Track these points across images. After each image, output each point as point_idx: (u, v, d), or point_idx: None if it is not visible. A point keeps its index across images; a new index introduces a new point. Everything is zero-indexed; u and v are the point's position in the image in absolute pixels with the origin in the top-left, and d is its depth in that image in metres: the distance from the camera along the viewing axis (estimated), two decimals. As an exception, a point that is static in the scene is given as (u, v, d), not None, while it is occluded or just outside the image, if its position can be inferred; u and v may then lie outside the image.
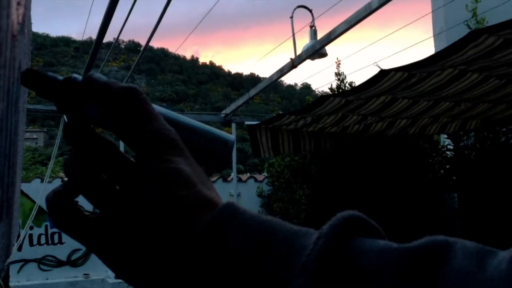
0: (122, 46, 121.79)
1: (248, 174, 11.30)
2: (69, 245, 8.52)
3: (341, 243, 0.33)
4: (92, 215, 0.41)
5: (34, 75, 0.43)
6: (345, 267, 0.32)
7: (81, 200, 0.41)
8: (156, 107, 0.44)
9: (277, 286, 0.33)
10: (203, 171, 0.41)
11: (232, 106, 9.42)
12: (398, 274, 0.30)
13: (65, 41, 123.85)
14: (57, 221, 0.41)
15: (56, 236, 8.50)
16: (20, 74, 0.44)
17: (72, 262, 8.50)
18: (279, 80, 7.46)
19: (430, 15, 8.04)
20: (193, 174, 0.39)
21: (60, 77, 0.43)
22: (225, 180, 9.40)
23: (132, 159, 0.41)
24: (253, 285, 0.34)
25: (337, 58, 7.80)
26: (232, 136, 0.49)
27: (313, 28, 6.69)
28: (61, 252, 8.44)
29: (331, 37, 5.61)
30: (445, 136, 7.38)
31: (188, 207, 0.37)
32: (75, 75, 0.43)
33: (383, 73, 3.92)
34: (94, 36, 5.51)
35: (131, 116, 0.40)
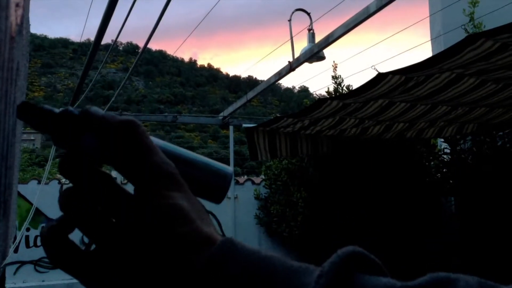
0: (120, 48, 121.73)
1: (246, 177, 11.29)
2: (66, 247, 8.48)
3: (342, 282, 0.33)
4: (88, 249, 0.40)
5: (29, 108, 0.42)
6: None
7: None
8: (155, 140, 0.44)
9: None
10: (201, 206, 0.41)
11: (230, 109, 9.42)
12: None
13: (63, 43, 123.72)
14: (52, 257, 0.40)
15: (52, 238, 8.47)
16: (16, 108, 0.43)
17: (69, 264, 8.46)
18: (277, 83, 7.46)
19: (428, 19, 8.07)
20: (191, 210, 0.39)
21: (56, 110, 0.42)
22: (222, 182, 9.38)
23: (128, 190, 0.40)
24: None
25: (334, 62, 7.81)
26: (230, 169, 0.48)
27: (311, 31, 6.70)
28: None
29: (329, 40, 5.62)
30: (442, 140, 7.39)
31: (187, 244, 0.37)
32: (71, 108, 0.43)
33: (380, 77, 3.93)
34: (92, 38, 5.51)
35: (130, 149, 0.40)
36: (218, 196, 0.48)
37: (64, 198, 0.40)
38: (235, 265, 0.35)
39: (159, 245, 0.37)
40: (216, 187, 0.47)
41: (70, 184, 0.41)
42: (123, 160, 0.40)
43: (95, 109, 0.42)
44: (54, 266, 0.42)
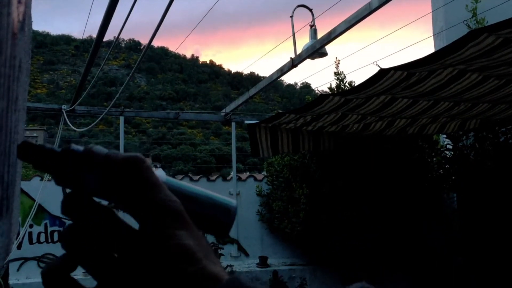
0: (123, 45, 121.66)
1: (248, 173, 11.30)
2: (69, 243, 8.51)
3: None
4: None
5: (30, 147, 0.42)
6: None
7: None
8: (159, 175, 0.43)
9: None
10: (207, 243, 0.41)
11: (232, 105, 9.42)
12: None
13: (66, 40, 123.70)
14: None
15: (55, 234, 8.50)
16: (17, 148, 0.42)
17: (72, 261, 8.49)
18: (279, 79, 7.45)
19: (430, 15, 8.04)
20: (198, 249, 0.38)
21: (58, 149, 0.42)
22: (224, 179, 9.40)
23: (132, 226, 0.40)
24: None
25: (336, 58, 7.80)
26: (234, 202, 0.48)
27: (313, 27, 6.68)
28: (60, 250, 8.31)
29: (331, 36, 5.60)
30: (444, 135, 7.38)
31: (195, 284, 0.37)
32: (73, 146, 0.42)
33: (382, 72, 3.92)
34: (94, 35, 5.51)
35: (135, 186, 0.39)
36: (223, 231, 0.48)
37: (67, 237, 0.40)
38: None
39: (167, 285, 0.37)
40: (220, 223, 0.47)
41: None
42: (128, 197, 0.40)
43: (98, 148, 0.42)
44: None
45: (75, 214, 0.40)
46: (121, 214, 0.42)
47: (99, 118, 8.08)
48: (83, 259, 0.40)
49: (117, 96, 6.80)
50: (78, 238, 0.40)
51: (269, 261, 8.52)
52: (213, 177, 9.41)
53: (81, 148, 0.42)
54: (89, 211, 0.40)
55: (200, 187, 0.48)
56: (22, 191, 7.72)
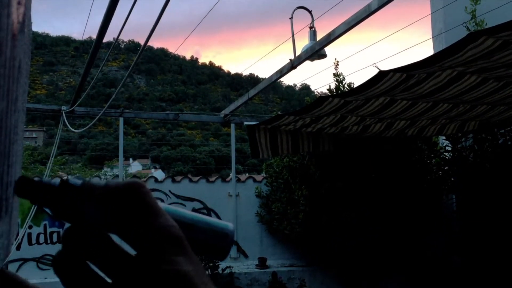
0: (122, 46, 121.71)
1: (247, 175, 11.30)
2: (68, 244, 8.50)
3: None
4: None
5: (27, 183, 0.42)
6: None
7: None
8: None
9: None
10: (203, 269, 0.41)
11: (232, 107, 9.43)
12: None
13: (65, 41, 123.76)
14: None
15: (54, 235, 8.49)
16: (14, 184, 0.42)
17: (71, 262, 8.48)
18: (278, 80, 7.45)
19: (429, 17, 8.05)
20: (195, 275, 0.39)
21: (55, 183, 0.41)
22: (224, 180, 9.40)
23: (128, 252, 0.40)
24: None
25: (335, 59, 7.80)
26: (231, 227, 0.48)
27: (313, 29, 6.69)
28: None
29: (330, 38, 5.61)
30: (444, 137, 7.39)
31: None
32: (71, 179, 0.42)
33: (382, 74, 3.93)
34: (94, 36, 5.51)
35: (135, 211, 0.40)
36: (220, 256, 0.48)
37: (59, 264, 0.40)
38: None
39: None
40: (218, 248, 0.47)
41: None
42: (128, 223, 0.40)
43: (96, 180, 0.42)
44: None
45: (77, 248, 0.40)
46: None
47: (97, 118, 8.09)
48: (74, 282, 0.40)
49: (113, 96, 6.80)
50: (73, 266, 0.40)
51: (268, 262, 8.51)
52: (213, 178, 9.41)
53: (79, 181, 0.42)
54: (92, 246, 0.40)
55: (197, 213, 0.48)
56: (21, 192, 7.71)
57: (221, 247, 0.47)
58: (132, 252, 0.41)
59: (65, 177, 0.42)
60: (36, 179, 0.42)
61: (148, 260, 0.38)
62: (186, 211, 0.47)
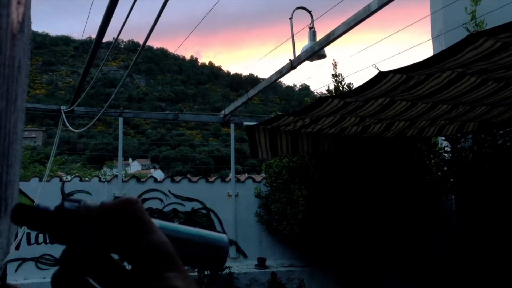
0: (122, 46, 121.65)
1: (246, 175, 11.30)
2: (67, 244, 8.49)
3: None
4: None
5: (24, 209, 0.42)
6: None
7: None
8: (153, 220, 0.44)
9: None
10: (194, 284, 0.42)
11: (231, 107, 9.43)
12: None
13: (65, 40, 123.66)
14: None
15: (53, 235, 8.49)
16: (11, 212, 0.43)
17: (70, 261, 8.47)
18: (278, 81, 7.45)
19: (429, 18, 8.05)
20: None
21: (51, 208, 0.42)
22: (223, 180, 9.40)
23: (124, 267, 0.42)
24: None
25: (334, 60, 7.81)
26: (225, 239, 0.49)
27: (312, 29, 6.69)
28: (59, 251, 8.31)
29: (330, 38, 5.61)
30: (443, 138, 7.39)
31: None
32: (66, 204, 0.42)
33: (381, 75, 3.93)
34: (94, 36, 5.51)
35: (128, 227, 0.41)
36: (217, 267, 0.49)
37: (61, 283, 0.42)
38: None
39: None
40: (213, 260, 0.49)
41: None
42: (121, 241, 0.41)
43: (91, 202, 0.43)
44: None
45: (76, 268, 0.42)
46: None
47: (96, 118, 8.08)
48: None
49: (113, 95, 6.79)
50: (72, 284, 0.41)
51: (267, 263, 8.51)
52: (212, 179, 9.41)
53: (74, 204, 0.42)
54: (94, 265, 0.42)
55: (192, 228, 0.49)
56: (21, 192, 7.71)
57: (217, 260, 0.48)
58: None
59: (61, 202, 0.43)
60: (34, 205, 0.43)
61: (139, 276, 0.40)
62: (181, 226, 0.48)
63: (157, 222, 0.45)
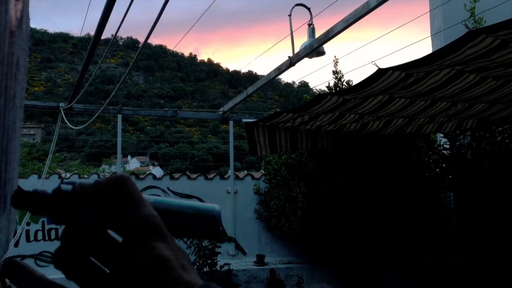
0: (120, 43, 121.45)
1: (245, 172, 11.30)
2: (66, 241, 8.50)
3: None
4: None
5: (23, 195, 0.44)
6: None
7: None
8: (146, 196, 0.46)
9: None
10: (185, 254, 0.44)
11: (230, 104, 9.42)
12: None
13: (63, 37, 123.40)
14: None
15: (53, 232, 8.49)
16: (11, 198, 0.45)
17: (69, 259, 8.49)
18: (277, 78, 7.45)
19: (428, 15, 8.05)
20: (174, 259, 0.42)
21: (49, 192, 0.44)
22: (222, 177, 9.40)
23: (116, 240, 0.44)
24: None
25: (335, 57, 7.81)
26: (217, 208, 0.51)
27: (311, 26, 6.68)
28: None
29: (329, 35, 5.61)
30: (442, 135, 7.39)
31: None
32: (63, 186, 0.44)
33: (380, 72, 3.93)
34: (92, 33, 5.49)
35: (119, 202, 0.43)
36: (212, 236, 0.51)
37: (58, 258, 0.44)
38: None
39: None
40: (207, 229, 0.51)
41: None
42: (114, 214, 0.43)
43: (85, 182, 0.45)
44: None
45: (67, 268, 0.45)
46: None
47: (96, 115, 8.08)
48: (74, 274, 0.44)
49: (113, 93, 6.79)
50: (72, 261, 0.44)
51: (266, 260, 8.52)
52: (211, 176, 9.41)
53: (69, 186, 0.45)
54: (81, 265, 0.45)
55: (184, 200, 0.51)
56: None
57: (210, 229, 0.51)
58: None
59: (58, 185, 0.45)
60: (31, 190, 0.45)
61: (127, 246, 0.42)
62: (174, 199, 0.50)
63: (150, 197, 0.48)
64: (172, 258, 0.41)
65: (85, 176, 9.75)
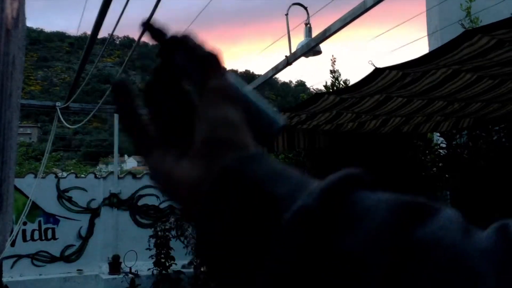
0: (117, 42, 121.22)
1: (243, 171, 11.28)
2: (63, 240, 8.49)
3: (337, 197, 0.38)
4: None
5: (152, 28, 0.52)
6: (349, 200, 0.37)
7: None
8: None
9: (284, 201, 0.37)
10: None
11: (227, 103, 9.39)
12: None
13: (60, 36, 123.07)
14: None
15: (49, 232, 8.47)
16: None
17: (66, 258, 8.49)
18: (274, 77, 7.45)
19: (425, 14, 8.06)
20: (239, 123, 0.45)
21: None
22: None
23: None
24: (262, 201, 0.38)
25: (332, 56, 7.82)
26: (281, 120, 0.53)
27: (308, 25, 6.68)
28: (54, 248, 8.41)
29: (326, 34, 5.60)
30: (438, 134, 7.41)
31: (227, 146, 0.43)
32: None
33: (377, 72, 3.94)
34: (89, 32, 5.48)
35: (213, 72, 0.48)
36: (265, 141, 0.53)
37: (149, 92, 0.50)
38: (259, 165, 0.41)
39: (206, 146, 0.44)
40: (263, 133, 0.52)
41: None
42: (203, 78, 0.48)
43: (192, 35, 0.51)
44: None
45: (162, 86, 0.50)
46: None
47: (91, 114, 8.06)
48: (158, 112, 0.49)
49: (107, 92, 6.78)
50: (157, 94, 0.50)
51: (263, 259, 8.52)
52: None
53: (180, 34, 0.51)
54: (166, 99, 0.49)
55: (260, 97, 0.54)
56: (16, 188, 7.68)
57: (268, 133, 0.53)
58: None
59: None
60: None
61: (204, 103, 0.46)
62: (249, 90, 0.54)
63: (234, 77, 0.52)
64: (238, 122, 0.44)
65: (82, 175, 9.74)
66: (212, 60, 0.49)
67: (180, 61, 0.50)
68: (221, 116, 0.44)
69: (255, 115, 0.51)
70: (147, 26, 0.51)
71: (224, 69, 0.50)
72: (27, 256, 8.24)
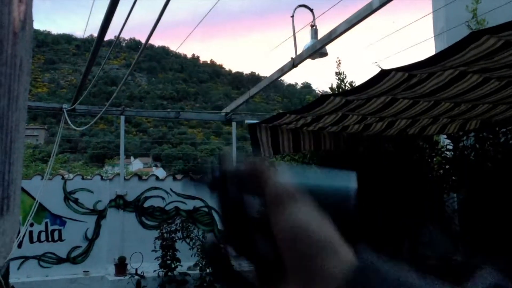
0: (123, 44, 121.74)
1: (248, 173, 11.29)
2: (69, 242, 8.52)
3: None
4: None
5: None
6: None
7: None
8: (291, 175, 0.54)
9: None
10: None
11: (233, 105, 9.42)
12: None
13: (67, 39, 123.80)
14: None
15: (56, 233, 8.51)
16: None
17: (72, 259, 8.52)
18: (279, 79, 7.45)
19: (431, 15, 8.04)
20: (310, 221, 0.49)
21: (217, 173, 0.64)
22: (225, 178, 9.40)
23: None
24: None
25: (338, 58, 7.81)
26: (353, 187, 0.56)
27: (314, 27, 6.68)
28: (61, 249, 8.45)
29: (331, 36, 5.60)
30: (445, 136, 7.38)
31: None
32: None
33: (383, 73, 3.93)
34: (95, 34, 5.51)
35: (260, 183, 0.55)
36: (345, 215, 0.55)
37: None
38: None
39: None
40: (342, 209, 0.55)
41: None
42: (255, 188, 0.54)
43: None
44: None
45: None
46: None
47: (98, 116, 8.09)
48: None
49: (115, 94, 6.80)
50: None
51: (269, 261, 8.51)
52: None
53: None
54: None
55: (324, 177, 0.57)
56: (23, 190, 7.72)
57: (345, 208, 0.55)
58: None
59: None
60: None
61: (271, 210, 0.51)
62: (314, 178, 0.56)
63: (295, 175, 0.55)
64: (308, 220, 0.47)
65: (88, 177, 9.78)
66: (256, 176, 0.54)
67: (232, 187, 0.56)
68: (291, 218, 0.48)
69: (324, 197, 0.52)
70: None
71: (270, 176, 0.53)
72: (34, 257, 8.28)
